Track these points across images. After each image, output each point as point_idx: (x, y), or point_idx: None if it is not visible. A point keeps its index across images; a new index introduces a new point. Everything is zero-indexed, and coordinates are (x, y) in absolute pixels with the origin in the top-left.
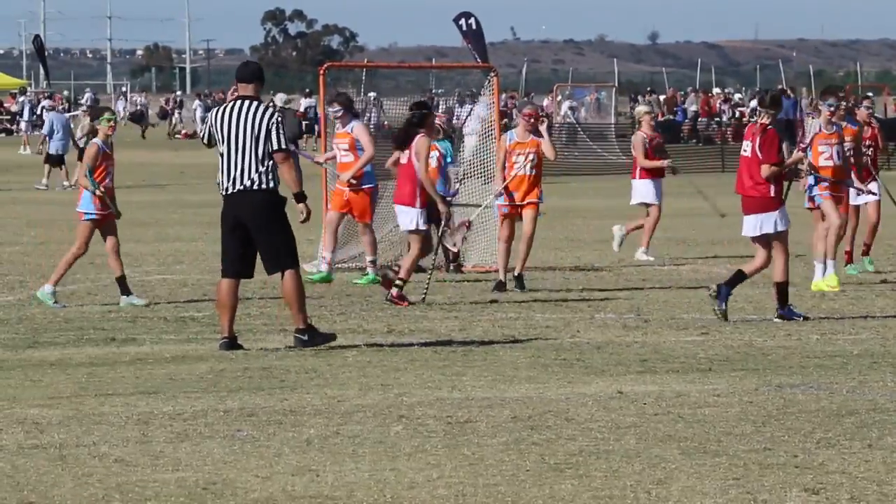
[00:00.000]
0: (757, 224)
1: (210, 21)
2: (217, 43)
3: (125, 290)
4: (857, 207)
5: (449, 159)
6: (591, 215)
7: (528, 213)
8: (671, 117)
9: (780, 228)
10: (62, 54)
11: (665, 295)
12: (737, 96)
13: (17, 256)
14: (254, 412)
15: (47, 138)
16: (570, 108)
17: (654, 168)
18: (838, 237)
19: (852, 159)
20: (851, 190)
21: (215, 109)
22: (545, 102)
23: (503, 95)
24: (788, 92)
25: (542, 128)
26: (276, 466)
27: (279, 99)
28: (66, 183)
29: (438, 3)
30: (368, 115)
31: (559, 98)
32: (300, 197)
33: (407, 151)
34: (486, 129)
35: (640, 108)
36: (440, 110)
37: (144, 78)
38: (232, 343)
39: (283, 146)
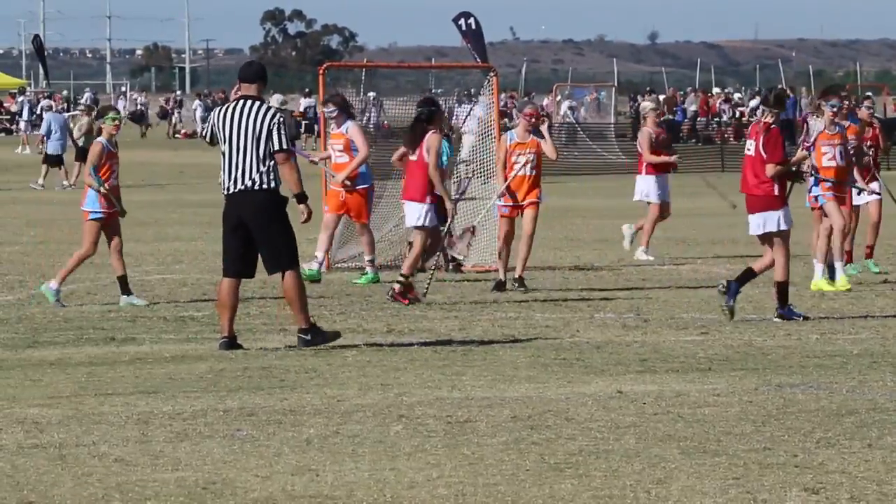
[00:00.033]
0: (760, 222)
1: (210, 21)
2: (216, 43)
3: (125, 290)
4: (857, 207)
5: (445, 158)
6: (590, 215)
7: (528, 213)
8: (671, 117)
9: (782, 227)
10: (62, 54)
11: (665, 294)
12: (736, 96)
13: (16, 256)
14: (253, 412)
15: (45, 138)
16: (570, 107)
17: (659, 164)
18: (843, 238)
19: (854, 158)
20: (853, 190)
21: (218, 108)
22: (545, 102)
23: (503, 95)
24: (788, 92)
25: (544, 128)
26: (276, 466)
27: (275, 100)
28: (65, 182)
29: (438, 3)
30: (368, 114)
31: (559, 98)
32: (301, 197)
33: (417, 148)
34: (485, 129)
35: (646, 104)
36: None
37: (144, 78)
38: (231, 343)
39: (285, 147)
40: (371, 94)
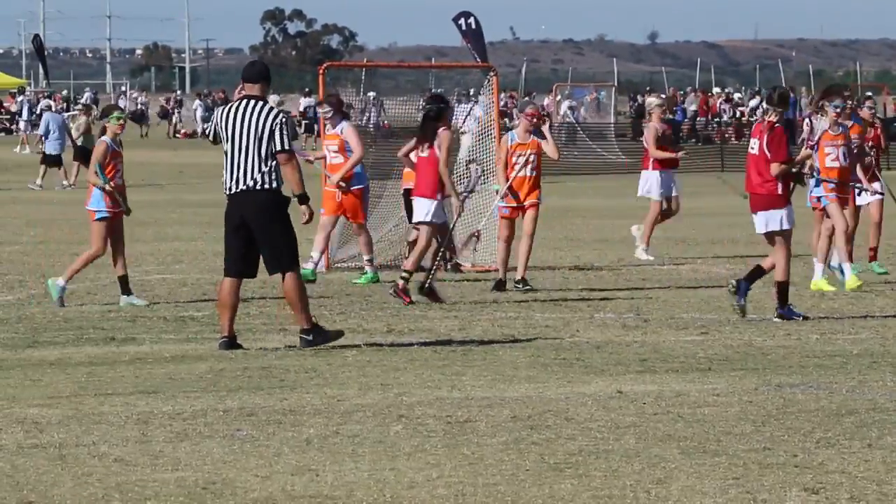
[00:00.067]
0: (763, 221)
1: (209, 21)
2: (216, 42)
3: (126, 290)
4: (859, 208)
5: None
6: (590, 215)
7: (529, 214)
8: (671, 117)
9: (784, 227)
10: (62, 54)
11: (665, 294)
12: (736, 96)
13: (16, 256)
14: (253, 412)
15: (43, 138)
16: (570, 107)
17: (664, 160)
18: (847, 239)
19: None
20: (855, 190)
21: (221, 108)
22: (545, 102)
23: (502, 95)
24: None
25: (545, 128)
26: (276, 466)
27: (272, 100)
28: (65, 182)
29: (438, 3)
30: (368, 114)
31: (558, 98)
32: (303, 198)
33: (427, 144)
34: (484, 129)
35: (651, 100)
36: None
37: (144, 77)
38: (231, 342)
39: (287, 147)
40: (371, 93)
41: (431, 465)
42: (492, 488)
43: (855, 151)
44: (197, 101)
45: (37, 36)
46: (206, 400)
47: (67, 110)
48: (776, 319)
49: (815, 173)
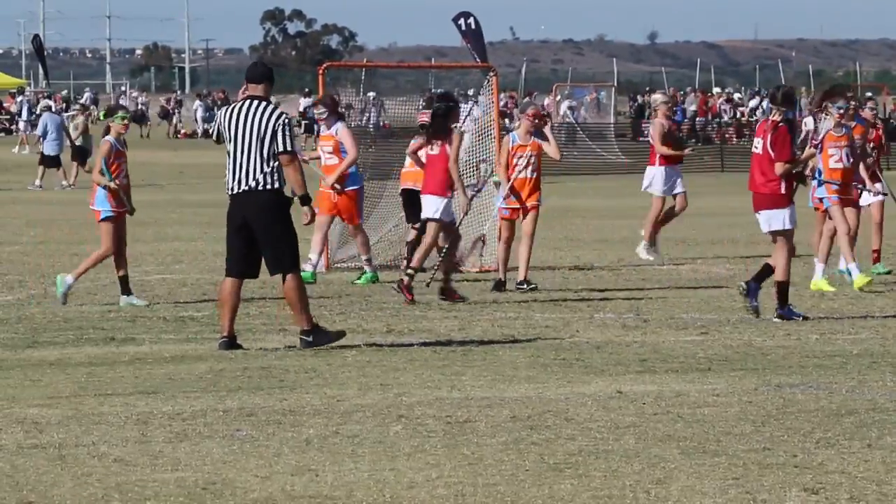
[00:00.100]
0: (766, 220)
1: (209, 21)
2: (216, 42)
3: (126, 290)
4: (860, 208)
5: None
6: (590, 215)
7: (529, 216)
8: (671, 117)
9: (787, 226)
10: (61, 54)
11: (664, 295)
12: (736, 96)
13: (16, 256)
14: (253, 412)
15: (41, 139)
16: (570, 107)
17: (670, 155)
18: (850, 240)
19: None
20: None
21: (225, 108)
22: (545, 102)
23: (502, 95)
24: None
25: (547, 129)
26: (276, 466)
27: None
28: (64, 182)
29: (438, 3)
30: (368, 114)
31: (558, 98)
32: (305, 199)
33: (438, 142)
34: (484, 129)
35: (657, 97)
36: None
37: (144, 77)
38: (231, 342)
39: (289, 148)
40: (371, 94)
41: (431, 465)
42: (491, 488)
43: (857, 152)
44: (197, 102)
45: (36, 36)
46: (206, 400)
47: (67, 111)
48: (776, 319)
49: (817, 174)
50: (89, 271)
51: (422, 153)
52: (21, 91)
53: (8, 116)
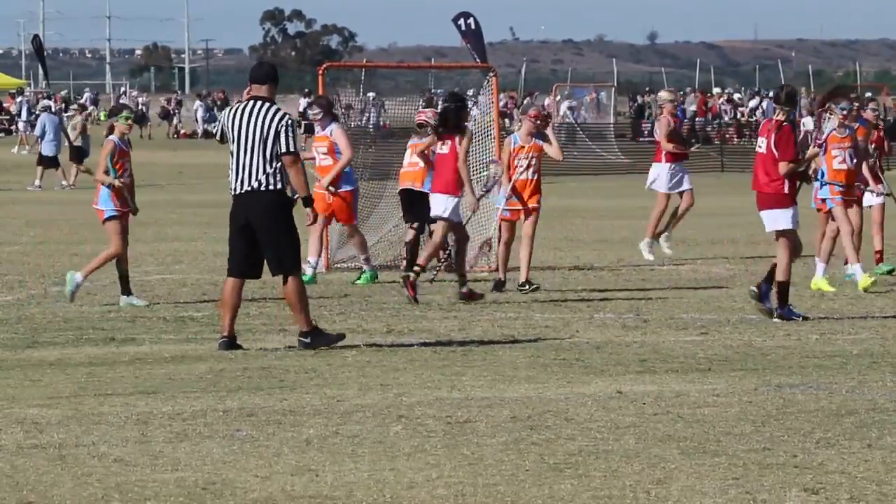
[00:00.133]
0: (768, 220)
1: (209, 21)
2: (216, 43)
3: (126, 290)
4: (862, 208)
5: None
6: (589, 215)
7: (529, 218)
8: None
9: (789, 226)
10: (61, 54)
11: (664, 295)
12: (736, 96)
13: (16, 256)
14: (253, 412)
15: (39, 140)
16: (570, 108)
17: (675, 152)
18: (852, 241)
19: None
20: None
21: (229, 108)
22: (545, 102)
23: (502, 96)
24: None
25: (549, 130)
26: (276, 466)
27: None
28: (64, 182)
29: (438, 3)
30: (368, 114)
31: (558, 98)
32: (307, 201)
33: (448, 141)
34: (483, 129)
35: (663, 94)
36: (440, 108)
37: (143, 78)
38: (231, 342)
39: (292, 149)
40: (371, 94)
41: (431, 465)
42: (491, 488)
43: (861, 153)
44: (198, 102)
45: (36, 36)
46: (206, 400)
47: (66, 111)
48: (776, 320)
49: (819, 176)
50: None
51: (415, 150)
52: (21, 91)
53: (8, 117)
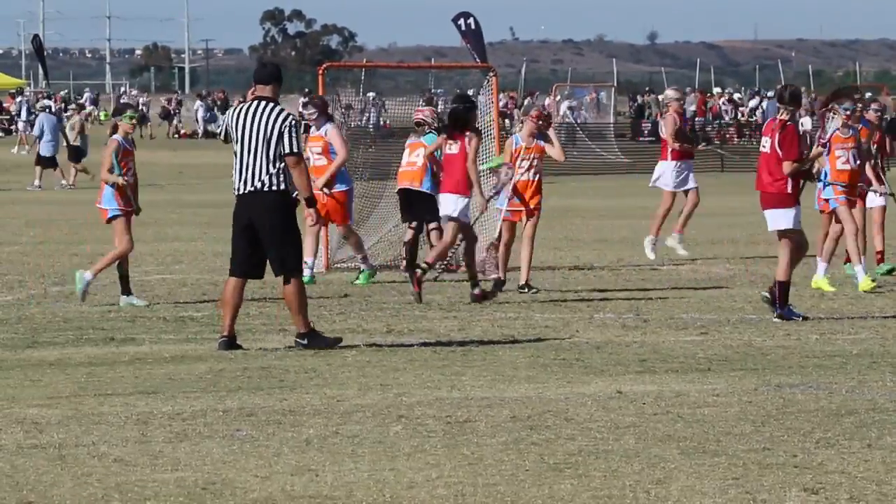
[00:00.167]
0: (771, 219)
1: (209, 21)
2: (216, 43)
3: (126, 290)
4: (865, 208)
5: (438, 152)
6: (589, 215)
7: (530, 219)
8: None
9: (791, 226)
10: (61, 54)
11: (664, 295)
12: (736, 96)
13: (15, 256)
14: (253, 412)
15: (38, 140)
16: (570, 107)
17: (682, 151)
18: (856, 241)
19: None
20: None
21: (233, 108)
22: (546, 102)
23: (501, 96)
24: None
25: (551, 131)
26: (276, 466)
27: None
28: (64, 182)
29: (437, 3)
30: (368, 114)
31: (558, 98)
32: (310, 201)
33: (457, 142)
34: (482, 129)
35: (670, 93)
36: (440, 108)
37: (143, 78)
38: (231, 342)
39: (296, 150)
40: (371, 94)
41: (431, 465)
42: (491, 488)
43: (864, 153)
44: (198, 102)
45: (36, 36)
46: (206, 400)
47: (65, 111)
48: (776, 319)
49: (822, 176)
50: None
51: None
52: (21, 91)
53: (8, 117)
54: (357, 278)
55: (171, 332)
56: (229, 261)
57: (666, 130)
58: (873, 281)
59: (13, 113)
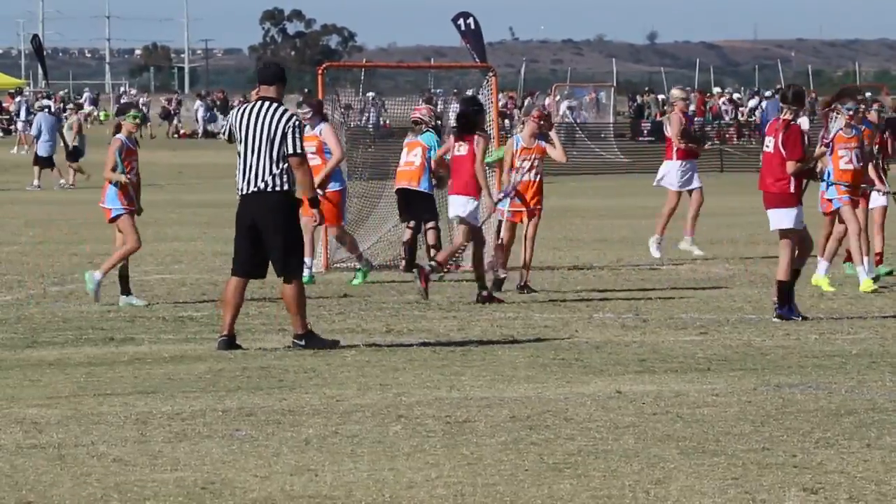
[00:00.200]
0: (773, 219)
1: (208, 21)
2: (215, 43)
3: (125, 290)
4: (868, 207)
5: (432, 153)
6: (589, 215)
7: (531, 220)
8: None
9: (793, 226)
10: (61, 54)
11: (663, 295)
12: (735, 96)
13: (15, 256)
14: (252, 412)
15: (35, 140)
16: (569, 107)
17: (688, 150)
18: (859, 241)
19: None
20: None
21: (237, 108)
22: (546, 102)
23: (501, 96)
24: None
25: (552, 132)
26: (275, 466)
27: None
28: (62, 181)
29: (437, 3)
30: (367, 114)
31: (557, 98)
32: (314, 202)
33: (466, 143)
34: None
35: (676, 92)
36: (439, 107)
37: (143, 77)
38: (230, 341)
39: (299, 150)
40: (370, 93)
41: (430, 465)
42: (491, 488)
43: (867, 153)
44: (198, 102)
45: (36, 36)
46: (205, 400)
47: (64, 111)
48: (775, 319)
49: (826, 176)
50: (81, 271)
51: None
52: (20, 91)
53: (7, 117)
54: (354, 278)
55: (171, 332)
56: (232, 260)
57: (672, 130)
58: (874, 282)
59: (12, 113)
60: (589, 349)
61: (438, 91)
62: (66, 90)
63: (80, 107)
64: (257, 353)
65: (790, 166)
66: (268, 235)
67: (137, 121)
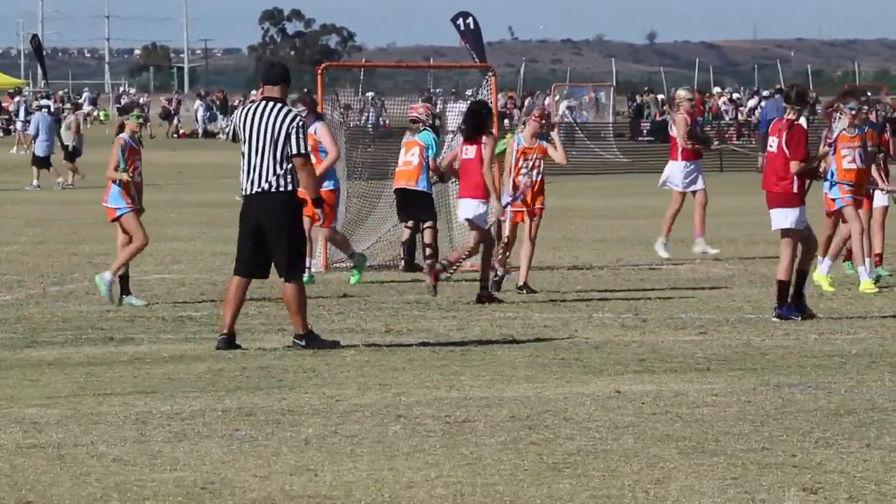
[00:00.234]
0: (775, 218)
1: (208, 21)
2: (215, 42)
3: (125, 290)
4: (871, 207)
5: (430, 153)
6: (588, 215)
7: (532, 220)
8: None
9: (794, 226)
10: (60, 54)
11: (663, 294)
12: (735, 96)
13: (15, 256)
14: (252, 412)
15: (34, 139)
16: (569, 107)
17: (693, 150)
18: (861, 241)
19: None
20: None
21: (241, 108)
22: (546, 102)
23: (500, 96)
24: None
25: (554, 133)
26: (275, 466)
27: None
28: (60, 180)
29: (436, 3)
30: (367, 114)
31: (557, 98)
32: (317, 202)
33: (473, 146)
34: None
35: (681, 93)
36: (438, 107)
37: (142, 77)
38: (230, 340)
39: (303, 151)
40: (370, 93)
41: (430, 464)
42: (490, 488)
43: (870, 153)
44: (198, 102)
45: (35, 36)
46: (205, 400)
47: (64, 111)
48: (774, 319)
49: (829, 176)
50: (84, 270)
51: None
52: (19, 91)
53: (6, 117)
54: (352, 277)
55: (170, 331)
56: (234, 259)
57: (678, 131)
58: (875, 282)
59: (12, 113)
60: (588, 349)
61: (438, 91)
62: (65, 90)
63: (77, 106)
64: (257, 353)
65: (794, 166)
66: (271, 235)
67: (140, 120)
